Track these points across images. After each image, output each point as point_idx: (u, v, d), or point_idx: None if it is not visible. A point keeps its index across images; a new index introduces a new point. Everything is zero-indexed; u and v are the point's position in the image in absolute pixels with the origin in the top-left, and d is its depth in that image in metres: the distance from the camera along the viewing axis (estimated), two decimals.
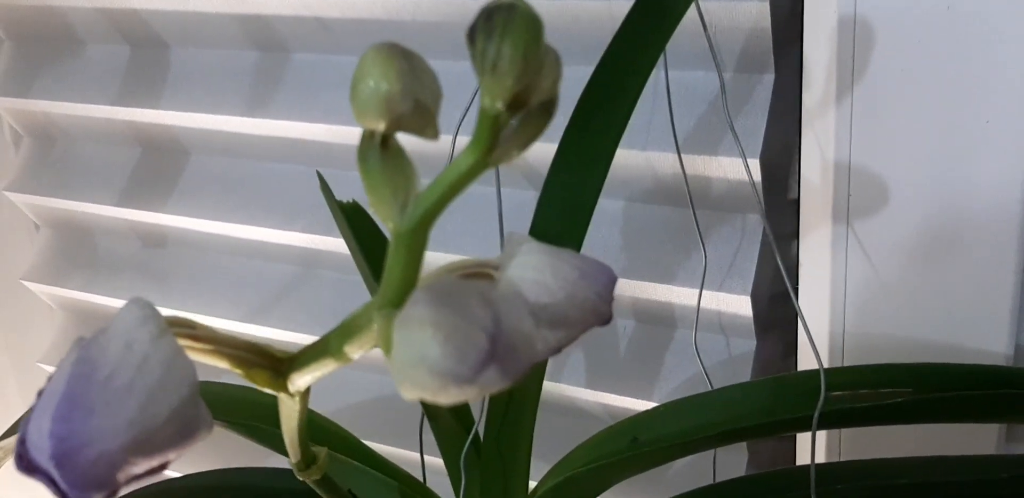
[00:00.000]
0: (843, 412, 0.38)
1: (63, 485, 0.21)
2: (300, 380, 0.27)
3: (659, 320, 0.54)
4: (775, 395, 0.41)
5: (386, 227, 0.23)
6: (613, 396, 0.53)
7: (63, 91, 0.66)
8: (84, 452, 0.21)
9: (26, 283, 0.72)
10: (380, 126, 0.21)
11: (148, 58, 0.64)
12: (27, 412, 0.22)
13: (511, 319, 0.19)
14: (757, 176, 0.47)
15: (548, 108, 0.21)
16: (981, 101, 0.41)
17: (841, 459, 0.49)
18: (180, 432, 0.22)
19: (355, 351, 0.26)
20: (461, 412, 0.42)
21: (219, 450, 0.63)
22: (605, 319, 0.28)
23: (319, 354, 0.27)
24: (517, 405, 0.41)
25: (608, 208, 0.52)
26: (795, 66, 0.46)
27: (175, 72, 0.62)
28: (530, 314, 0.26)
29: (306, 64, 0.59)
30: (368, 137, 0.22)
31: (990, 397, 0.39)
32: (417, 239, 0.23)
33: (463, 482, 0.39)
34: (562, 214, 0.38)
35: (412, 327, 0.19)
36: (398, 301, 0.24)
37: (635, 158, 0.49)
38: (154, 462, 0.22)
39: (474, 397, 0.20)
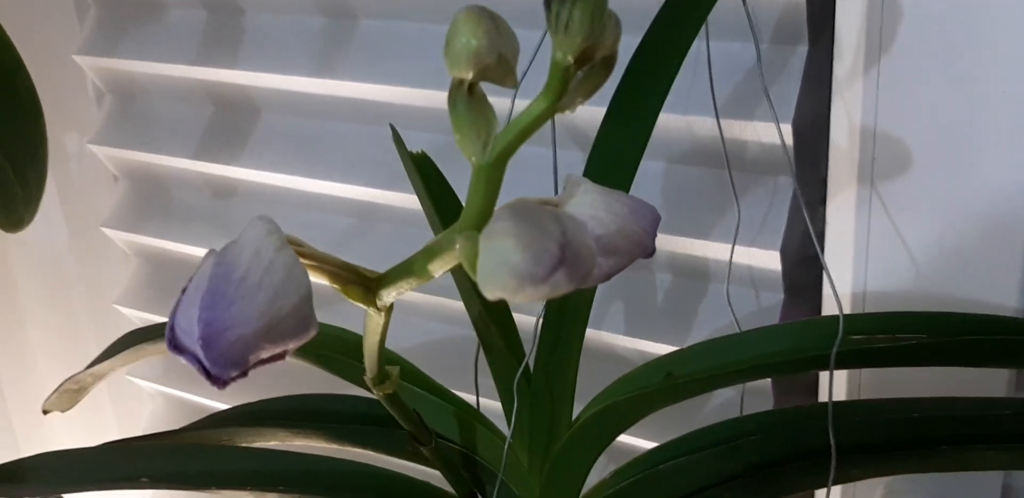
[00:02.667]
0: (859, 352, 0.42)
1: (206, 363, 0.26)
2: (387, 296, 0.32)
3: (694, 274, 0.58)
4: (797, 337, 0.45)
5: (469, 163, 0.28)
6: (649, 343, 0.58)
7: (144, 51, 0.71)
8: (225, 335, 0.26)
9: (105, 230, 0.78)
10: (468, 75, 0.26)
11: (224, 22, 0.68)
12: (174, 306, 0.27)
13: (576, 234, 0.24)
14: (789, 140, 0.51)
15: (609, 63, 0.26)
16: (999, 73, 0.44)
17: (861, 396, 0.53)
18: (298, 326, 0.27)
19: (437, 269, 0.30)
20: (513, 345, 0.47)
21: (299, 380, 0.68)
22: (649, 252, 0.32)
23: (404, 273, 0.31)
24: (565, 337, 0.45)
25: (649, 168, 0.57)
26: (827, 38, 0.50)
27: (249, 35, 0.67)
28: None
29: (372, 30, 0.63)
30: (457, 85, 0.27)
31: (999, 342, 0.43)
32: (495, 172, 0.27)
33: (515, 405, 0.44)
34: (610, 168, 0.42)
35: (496, 238, 0.24)
36: (479, 224, 0.28)
37: (676, 122, 0.53)
38: (277, 349, 0.27)
39: (545, 296, 0.24)
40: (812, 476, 0.44)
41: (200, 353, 0.26)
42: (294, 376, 0.75)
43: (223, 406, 0.77)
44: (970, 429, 0.43)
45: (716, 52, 0.52)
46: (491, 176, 0.27)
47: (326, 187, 0.67)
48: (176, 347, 0.26)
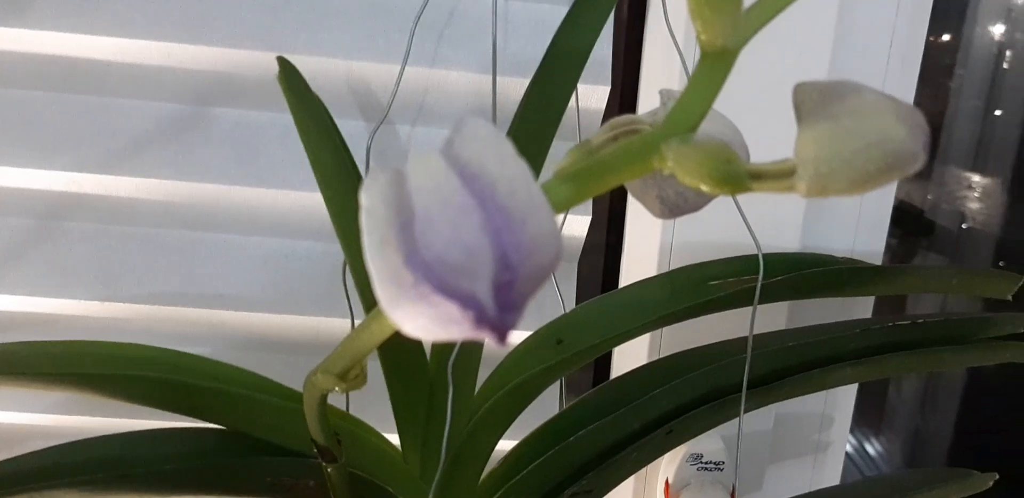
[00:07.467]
0: (779, 284, 0.43)
1: (494, 305, 0.18)
2: None
3: None
4: (672, 287, 0.46)
5: (702, 47, 0.23)
6: None
7: None
8: (527, 264, 0.18)
9: None
10: None
11: None
12: (408, 236, 0.18)
13: None
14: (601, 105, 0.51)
15: None
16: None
17: (661, 354, 0.55)
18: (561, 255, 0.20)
19: (591, 193, 0.25)
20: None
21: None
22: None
23: None
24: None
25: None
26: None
27: None
28: None
29: None
30: None
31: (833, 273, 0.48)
32: (733, 59, 0.23)
33: (450, 391, 0.37)
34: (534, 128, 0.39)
35: (867, 114, 0.20)
36: (696, 124, 0.24)
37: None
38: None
39: (891, 181, 0.21)
40: (713, 415, 0.44)
41: (489, 293, 0.18)
42: None
43: None
44: (828, 352, 0.46)
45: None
46: (729, 64, 0.23)
47: None
48: (444, 289, 0.18)
